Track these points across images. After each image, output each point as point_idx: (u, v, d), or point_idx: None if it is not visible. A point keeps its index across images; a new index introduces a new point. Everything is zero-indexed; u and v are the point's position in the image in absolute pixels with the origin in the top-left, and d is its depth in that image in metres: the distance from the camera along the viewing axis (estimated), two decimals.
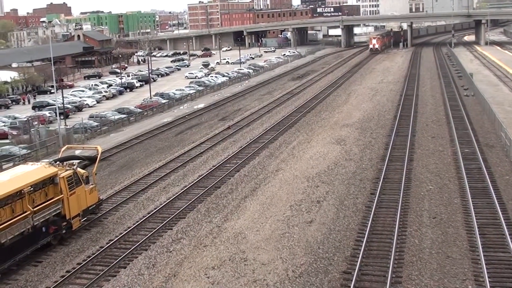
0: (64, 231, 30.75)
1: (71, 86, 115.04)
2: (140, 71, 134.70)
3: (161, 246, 29.55)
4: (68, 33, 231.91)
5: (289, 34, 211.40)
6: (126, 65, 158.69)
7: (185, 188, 39.39)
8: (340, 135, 52.56)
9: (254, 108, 74.15)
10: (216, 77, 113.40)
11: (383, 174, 39.10)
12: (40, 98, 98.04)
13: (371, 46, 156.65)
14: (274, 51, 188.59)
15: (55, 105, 68.87)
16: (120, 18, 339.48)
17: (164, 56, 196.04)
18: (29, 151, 52.70)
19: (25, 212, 28.32)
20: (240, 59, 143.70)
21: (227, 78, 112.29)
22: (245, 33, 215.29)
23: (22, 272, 27.58)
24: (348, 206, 33.78)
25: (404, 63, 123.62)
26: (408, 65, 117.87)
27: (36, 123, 64.90)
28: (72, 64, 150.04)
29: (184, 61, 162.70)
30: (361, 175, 39.90)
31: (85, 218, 32.99)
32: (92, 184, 33.91)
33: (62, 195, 30.68)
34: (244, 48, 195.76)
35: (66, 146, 41.12)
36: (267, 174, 41.85)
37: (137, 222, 33.20)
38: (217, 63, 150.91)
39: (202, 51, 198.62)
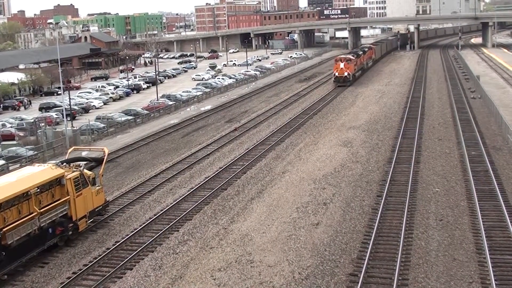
0: (70, 233, 30.80)
1: (78, 88, 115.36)
2: (147, 72, 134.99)
3: (167, 248, 29.57)
4: (75, 35, 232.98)
5: (296, 36, 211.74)
6: (133, 67, 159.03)
7: (192, 190, 39.42)
8: (346, 137, 52.52)
9: (260, 110, 74.15)
10: (223, 79, 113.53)
11: (389, 176, 39.04)
12: (47, 100, 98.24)
13: (336, 73, 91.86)
14: (281, 53, 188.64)
15: (62, 106, 69.02)
16: (127, 20, 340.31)
17: (171, 58, 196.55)
18: (36, 152, 52.83)
19: (32, 213, 28.35)
20: (247, 61, 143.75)
21: (234, 80, 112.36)
22: (252, 35, 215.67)
23: (28, 273, 27.63)
24: (355, 208, 33.75)
25: (411, 65, 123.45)
26: (415, 67, 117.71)
27: (43, 124, 65.01)
28: (79, 65, 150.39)
29: (191, 63, 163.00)
30: (368, 177, 39.86)
31: (92, 220, 33.02)
32: (99, 186, 33.95)
33: (68, 197, 30.72)
34: (251, 50, 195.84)
35: (73, 147, 41.19)
36: (273, 176, 41.84)
37: (144, 223, 33.23)
38: (224, 65, 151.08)
39: (209, 53, 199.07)
